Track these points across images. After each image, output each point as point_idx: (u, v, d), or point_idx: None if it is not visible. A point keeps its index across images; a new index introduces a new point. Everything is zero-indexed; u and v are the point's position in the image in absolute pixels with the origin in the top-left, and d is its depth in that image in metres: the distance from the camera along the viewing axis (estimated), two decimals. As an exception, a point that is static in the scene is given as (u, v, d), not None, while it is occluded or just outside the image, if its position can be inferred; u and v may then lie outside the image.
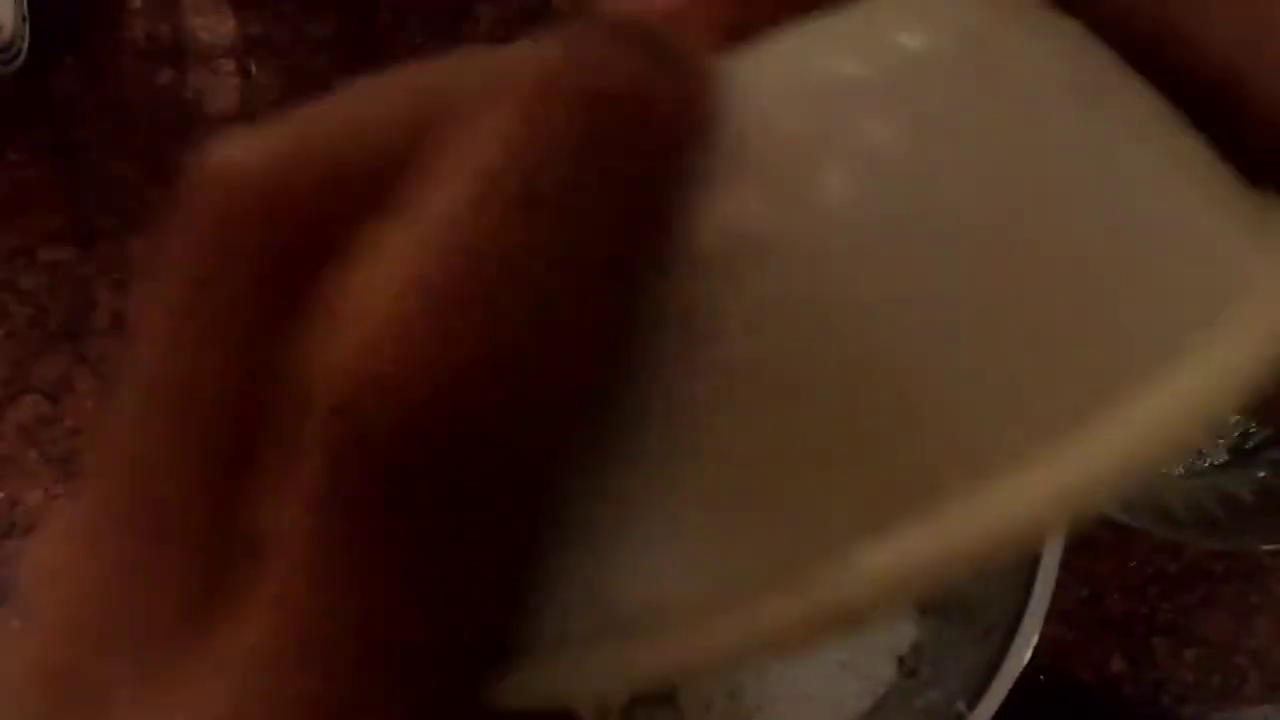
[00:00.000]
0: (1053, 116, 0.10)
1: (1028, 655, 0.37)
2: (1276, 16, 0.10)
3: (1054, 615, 0.39)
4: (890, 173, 0.09)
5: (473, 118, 0.09)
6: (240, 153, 0.10)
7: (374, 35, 0.60)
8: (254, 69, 0.59)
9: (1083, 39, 0.11)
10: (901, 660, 0.41)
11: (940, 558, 0.09)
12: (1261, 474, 0.54)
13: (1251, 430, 0.56)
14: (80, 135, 0.58)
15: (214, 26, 0.60)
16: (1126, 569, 0.59)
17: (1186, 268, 0.10)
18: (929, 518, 0.09)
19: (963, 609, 0.40)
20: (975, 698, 0.36)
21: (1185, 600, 0.58)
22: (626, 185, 0.08)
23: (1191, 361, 0.09)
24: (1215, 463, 0.59)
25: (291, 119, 0.10)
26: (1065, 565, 0.39)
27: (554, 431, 0.09)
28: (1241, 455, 0.57)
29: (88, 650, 0.09)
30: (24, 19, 0.54)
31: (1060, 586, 0.38)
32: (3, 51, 0.53)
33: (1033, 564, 0.36)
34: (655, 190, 0.09)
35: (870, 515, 0.09)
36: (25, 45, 0.54)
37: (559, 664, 0.10)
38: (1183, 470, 0.58)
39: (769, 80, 0.10)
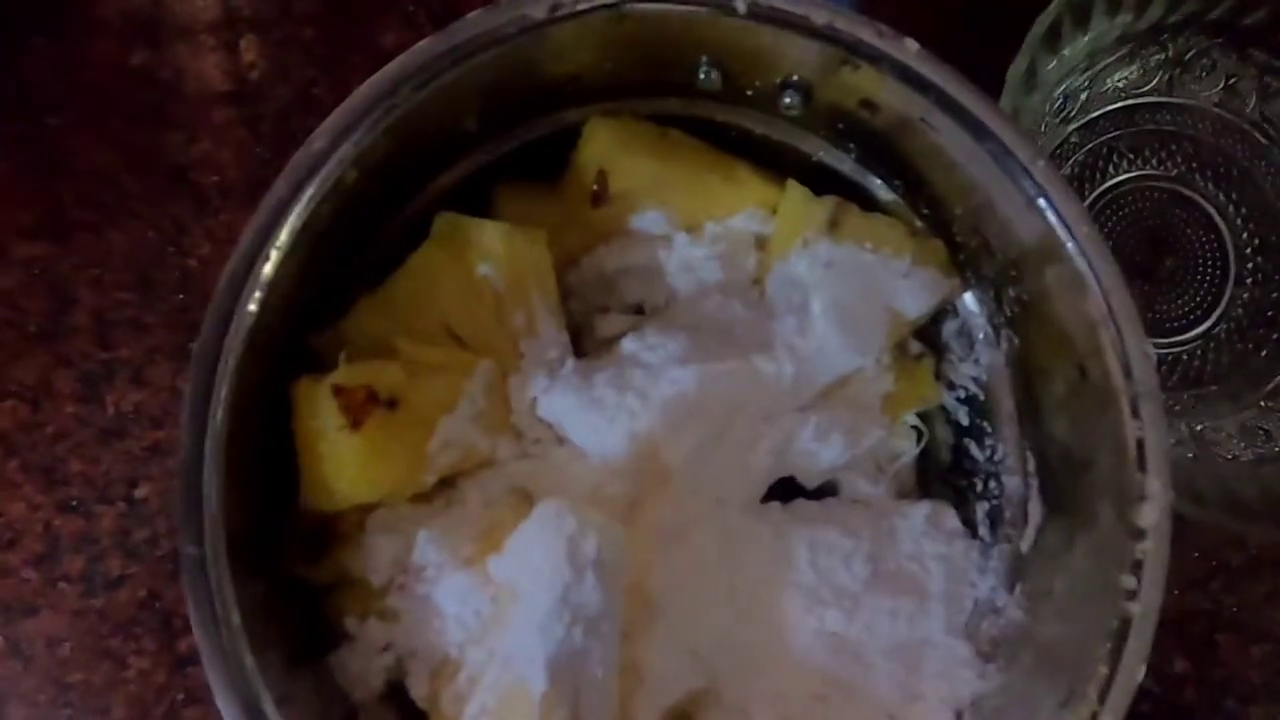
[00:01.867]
0: None
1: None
2: None
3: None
4: None
5: None
6: None
7: (362, 5, 0.54)
8: (241, 44, 0.53)
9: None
10: (959, 716, 0.35)
11: None
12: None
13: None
14: (52, 122, 0.52)
15: (192, 0, 0.54)
16: (1186, 562, 0.52)
17: None
18: None
19: (1039, 658, 0.33)
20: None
21: (1252, 594, 0.52)
22: None
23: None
24: (1288, 446, 0.52)
25: None
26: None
27: None
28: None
29: None
30: (-19, -5, 0.48)
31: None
32: (-42, 31, 0.47)
33: (1126, 599, 0.30)
34: None
35: None
36: (-16, 24, 0.48)
37: None
38: (1252, 456, 0.52)
39: None
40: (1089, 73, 0.53)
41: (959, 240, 0.37)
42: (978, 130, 0.32)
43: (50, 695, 0.48)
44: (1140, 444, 0.31)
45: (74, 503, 0.50)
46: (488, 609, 0.31)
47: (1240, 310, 0.53)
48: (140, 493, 0.50)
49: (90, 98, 0.53)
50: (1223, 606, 0.52)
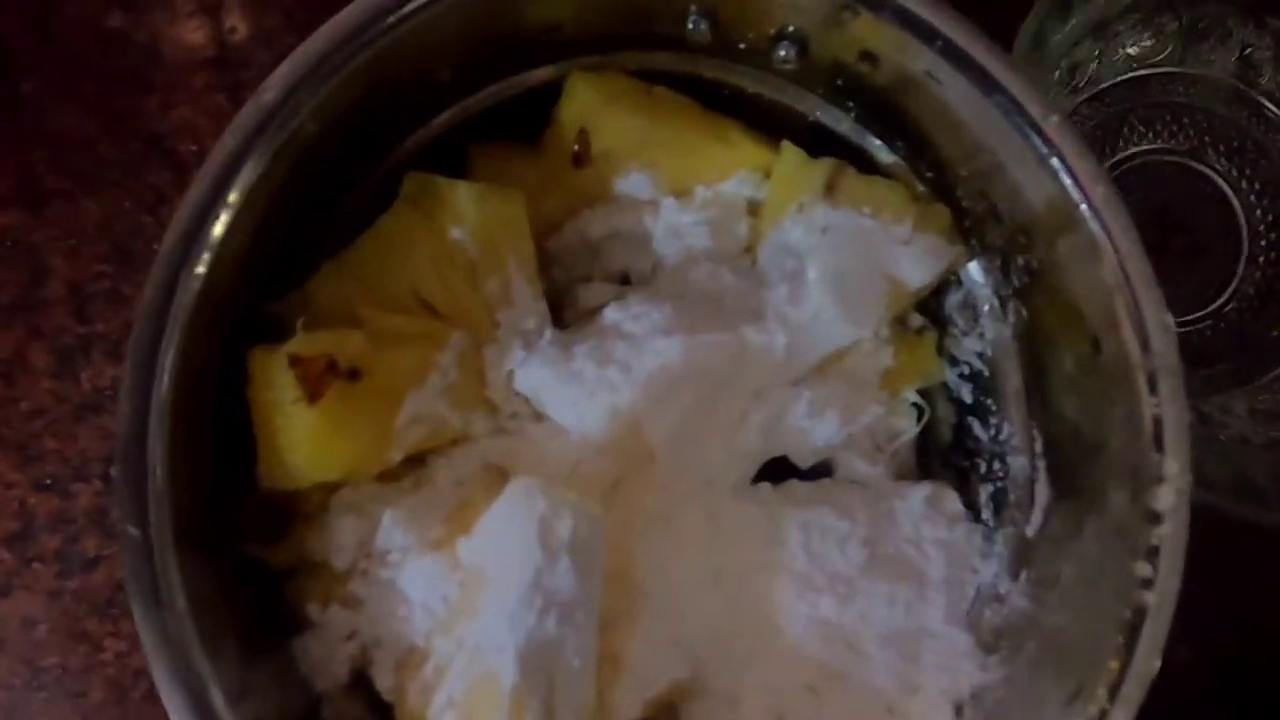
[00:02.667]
0: None
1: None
2: None
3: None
4: None
5: None
6: None
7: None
8: (221, 8, 0.50)
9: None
10: (959, 709, 0.32)
11: None
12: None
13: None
14: (25, 87, 0.49)
15: (169, -38, 0.51)
16: (1192, 547, 0.50)
17: None
18: None
19: (1044, 649, 0.30)
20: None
21: (1260, 582, 0.49)
22: None
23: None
24: (1300, 429, 0.49)
25: None
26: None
27: None
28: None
29: None
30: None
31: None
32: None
33: (1141, 588, 0.27)
34: None
35: None
36: (-52, -16, 0.45)
37: None
38: (1263, 439, 0.49)
39: None
40: (1099, 41, 0.50)
41: (964, 205, 0.34)
42: (986, 83, 0.29)
43: (25, 678, 0.46)
44: (1157, 422, 0.28)
45: (49, 481, 0.48)
46: (456, 595, 0.28)
47: (1252, 289, 0.50)
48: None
49: (65, 62, 0.50)
50: (1230, 594, 0.49)
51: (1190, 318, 0.50)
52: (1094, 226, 0.29)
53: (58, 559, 0.47)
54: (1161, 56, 0.50)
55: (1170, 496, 0.28)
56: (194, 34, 0.50)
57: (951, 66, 0.29)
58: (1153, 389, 0.28)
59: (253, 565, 0.31)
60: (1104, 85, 0.50)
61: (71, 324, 0.48)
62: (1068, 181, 0.29)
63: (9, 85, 0.49)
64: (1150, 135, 0.51)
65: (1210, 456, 0.46)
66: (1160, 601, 0.27)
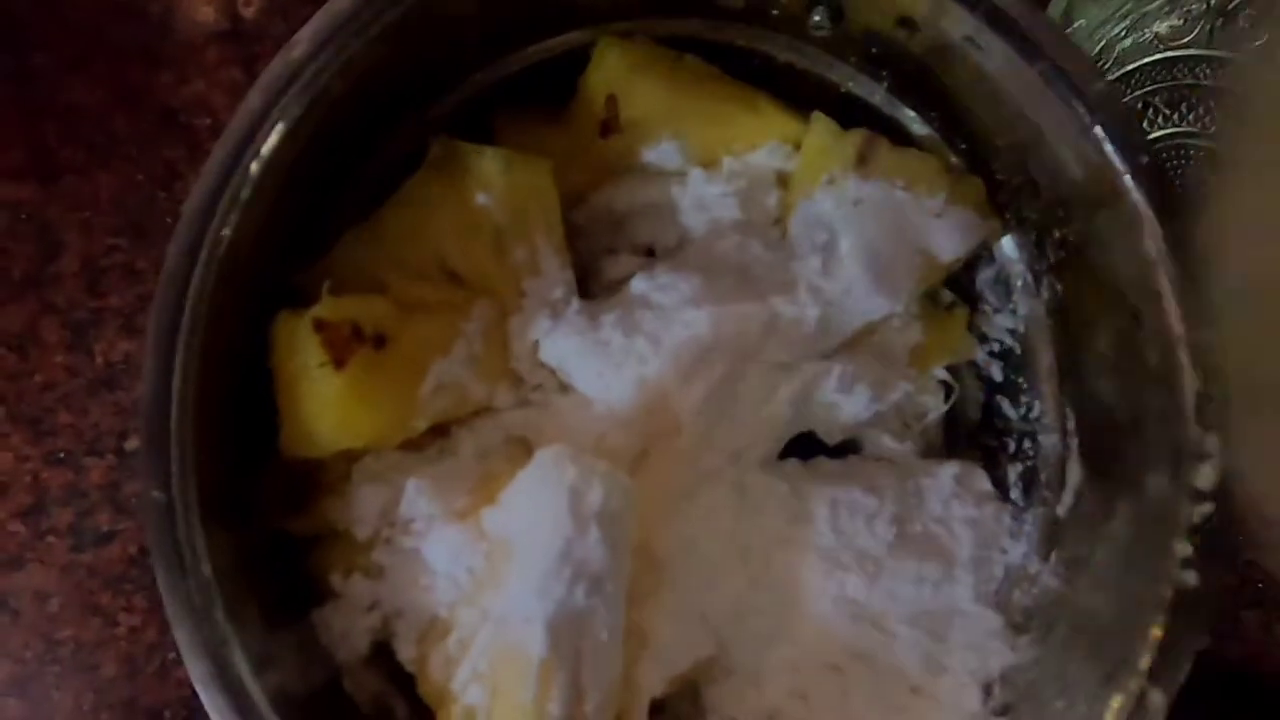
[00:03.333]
0: None
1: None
2: None
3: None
4: None
5: None
6: None
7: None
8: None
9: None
10: (989, 690, 0.32)
11: None
12: None
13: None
14: (38, 60, 0.49)
15: (184, -67, 0.50)
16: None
17: None
18: None
19: (1077, 630, 0.29)
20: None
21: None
22: None
23: None
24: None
25: None
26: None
27: None
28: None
29: None
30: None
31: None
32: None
33: (1182, 568, 0.26)
34: None
35: None
36: (-38, -49, 0.45)
37: None
38: None
39: None
40: (1127, 21, 0.49)
41: (999, 178, 0.34)
42: (1029, 50, 0.28)
43: (38, 651, 0.46)
44: (1202, 397, 0.27)
45: (62, 454, 0.47)
46: (481, 566, 0.28)
47: (1278, 275, 0.49)
48: (130, 445, 0.47)
49: (78, 35, 0.49)
50: (1248, 582, 0.49)
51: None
52: (1136, 197, 0.28)
53: (71, 533, 0.46)
54: (1189, 38, 0.49)
55: (1213, 474, 0.27)
56: (207, 7, 0.50)
57: (994, 32, 0.28)
58: (1197, 363, 0.27)
59: (275, 535, 0.30)
60: (1130, 67, 0.49)
61: (84, 298, 0.48)
62: (1110, 150, 0.28)
63: (21, 58, 0.49)
64: (1176, 118, 0.50)
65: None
66: (1205, 580, 0.27)
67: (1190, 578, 0.27)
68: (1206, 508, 0.28)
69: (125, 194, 0.48)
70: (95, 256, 0.48)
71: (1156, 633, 0.27)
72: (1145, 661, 0.27)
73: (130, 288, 0.48)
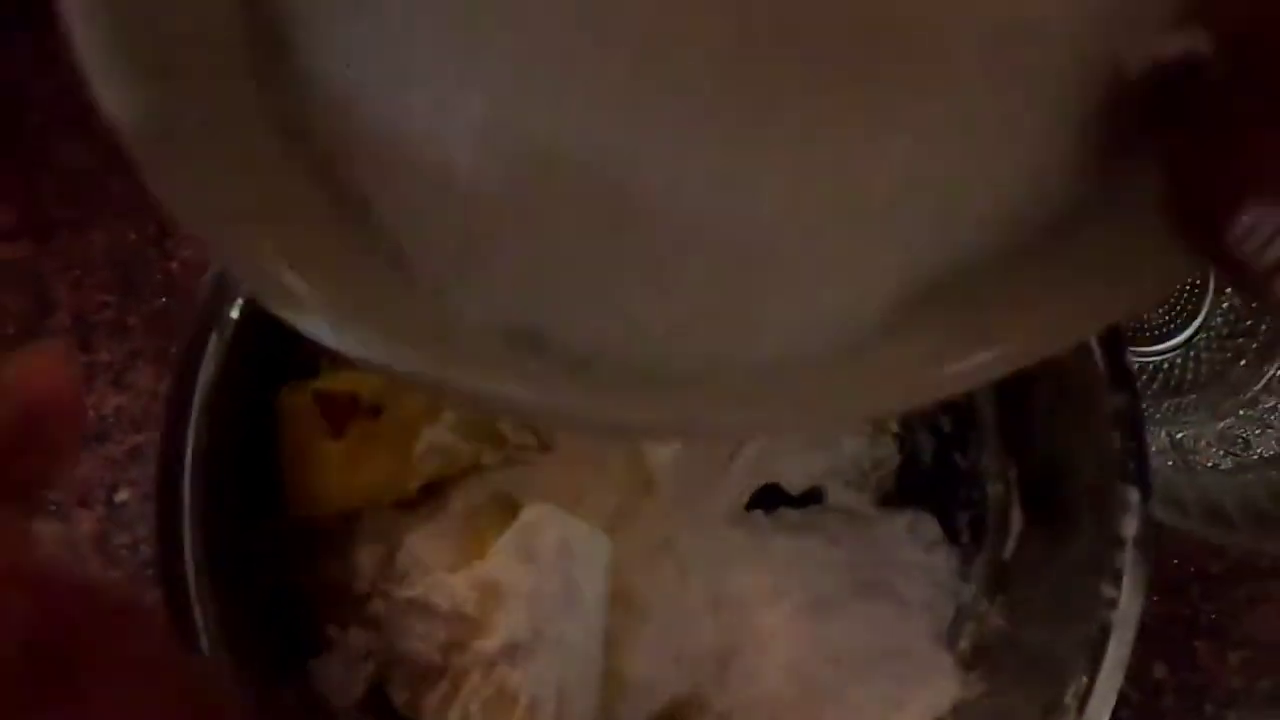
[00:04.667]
0: None
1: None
2: None
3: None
4: None
5: None
6: None
7: None
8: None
9: None
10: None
11: None
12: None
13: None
14: (34, 120, 0.52)
15: None
16: (1165, 568, 0.53)
17: None
18: None
19: (1021, 666, 0.33)
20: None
21: (1230, 600, 0.52)
22: None
23: None
24: (1265, 455, 0.52)
25: None
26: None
27: None
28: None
29: None
30: (-39, -8, 0.47)
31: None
32: (-62, 29, 0.46)
33: (1106, 608, 0.30)
34: None
35: None
36: (-35, 22, 0.48)
37: None
38: (1231, 465, 0.52)
39: None
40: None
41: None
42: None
43: (27, 701, 0.48)
44: (1121, 453, 0.31)
45: (53, 506, 0.49)
46: (472, 614, 0.31)
47: (1219, 319, 0.53)
48: (120, 497, 0.49)
49: (73, 95, 0.52)
50: (1201, 613, 0.52)
51: (1160, 348, 0.53)
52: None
53: (61, 584, 0.48)
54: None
55: (1134, 524, 0.31)
56: (200, 69, 0.53)
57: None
58: (1116, 422, 0.31)
59: (276, 592, 0.33)
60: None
61: (76, 353, 0.50)
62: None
63: (17, 117, 0.51)
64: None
65: (1183, 482, 0.49)
66: (1123, 619, 0.30)
67: (1114, 617, 0.30)
68: (1128, 554, 0.31)
69: (117, 251, 0.51)
70: (87, 312, 0.51)
71: (1084, 669, 0.30)
72: (1075, 696, 0.30)
73: (121, 343, 0.51)
